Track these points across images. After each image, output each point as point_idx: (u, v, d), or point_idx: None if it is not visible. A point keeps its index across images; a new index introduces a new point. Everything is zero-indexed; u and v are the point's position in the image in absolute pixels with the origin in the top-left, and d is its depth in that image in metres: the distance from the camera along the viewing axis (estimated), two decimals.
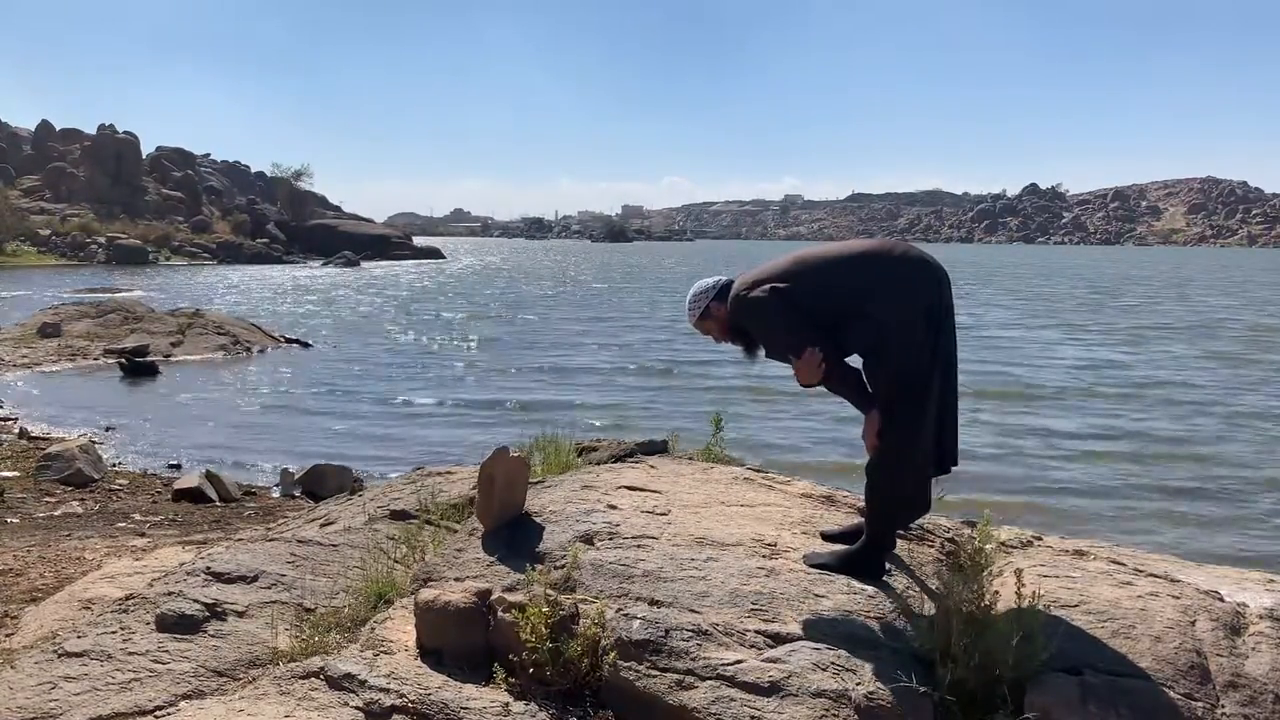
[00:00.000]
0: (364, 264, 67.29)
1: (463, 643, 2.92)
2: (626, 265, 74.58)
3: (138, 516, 7.61)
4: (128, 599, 3.68)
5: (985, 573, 2.85)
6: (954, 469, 3.26)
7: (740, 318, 3.21)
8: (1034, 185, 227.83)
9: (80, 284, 38.61)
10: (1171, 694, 2.65)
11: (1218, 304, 37.80)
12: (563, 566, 3.17)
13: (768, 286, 3.11)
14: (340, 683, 2.80)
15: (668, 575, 3.10)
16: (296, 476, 9.25)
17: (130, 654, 3.22)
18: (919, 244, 3.31)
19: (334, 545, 4.07)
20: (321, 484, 8.89)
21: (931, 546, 3.49)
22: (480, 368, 18.82)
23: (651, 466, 4.38)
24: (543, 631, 2.76)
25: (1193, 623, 2.93)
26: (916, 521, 3.55)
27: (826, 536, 3.48)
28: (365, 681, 2.78)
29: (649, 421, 12.78)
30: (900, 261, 3.06)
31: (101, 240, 63.47)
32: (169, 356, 18.52)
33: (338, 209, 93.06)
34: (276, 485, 9.37)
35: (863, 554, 3.20)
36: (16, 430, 11.33)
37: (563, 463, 4.67)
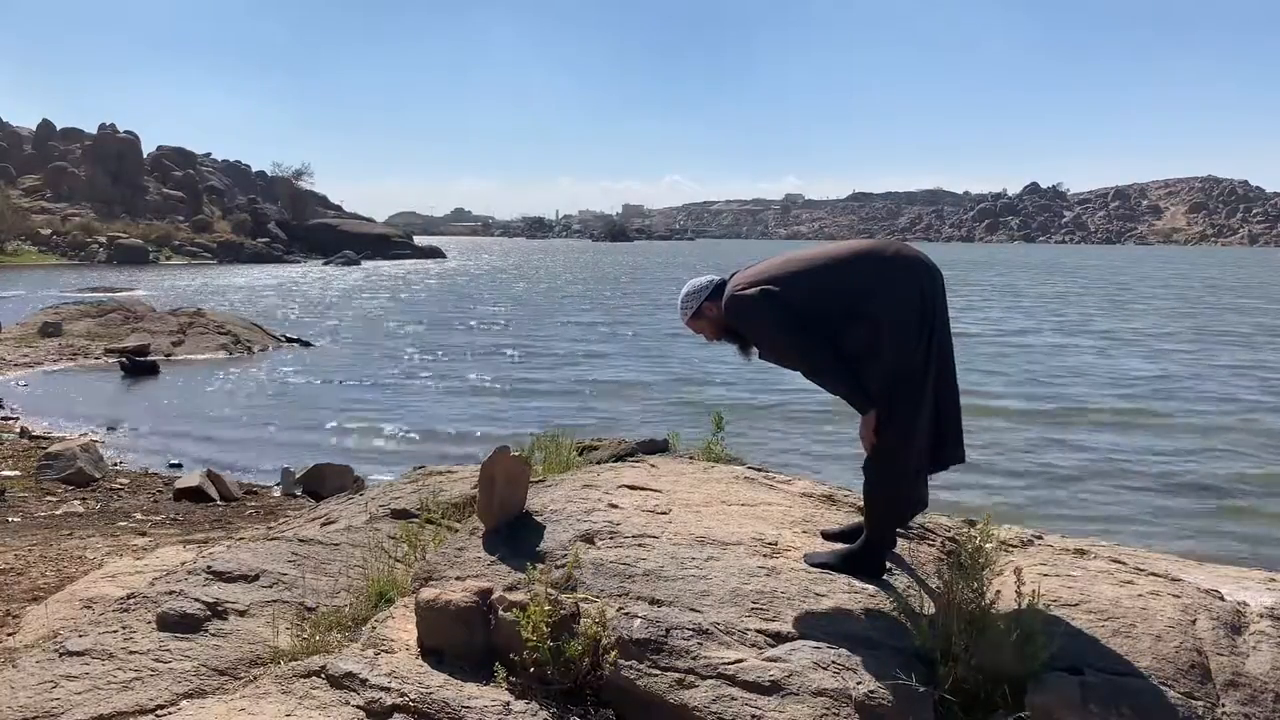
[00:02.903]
0: (365, 263, 67.32)
1: (464, 642, 2.92)
2: (625, 266, 74.47)
3: (139, 515, 7.61)
4: (129, 598, 3.68)
5: (986, 572, 2.85)
6: (957, 471, 3.27)
7: (734, 318, 3.22)
8: (1035, 184, 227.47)
9: (81, 283, 38.63)
10: (1172, 693, 2.65)
11: (1235, 304, 37.54)
12: (564, 565, 3.17)
13: (760, 288, 3.12)
14: (341, 682, 2.80)
15: (669, 574, 3.11)
16: (297, 476, 9.25)
17: (131, 653, 3.22)
18: (920, 243, 3.33)
19: (335, 544, 4.08)
20: (322, 483, 8.90)
21: (932, 545, 3.49)
22: (480, 367, 18.83)
23: (652, 465, 4.38)
24: (544, 630, 2.76)
25: (1193, 622, 2.93)
26: (916, 520, 3.56)
27: (827, 535, 3.48)
28: (366, 680, 2.78)
29: (647, 423, 12.78)
30: (894, 261, 3.08)
31: (102, 240, 63.51)
32: (170, 356, 18.54)
33: (338, 208, 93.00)
34: (277, 484, 9.38)
35: (863, 553, 3.21)
36: (18, 429, 11.34)
37: (563, 462, 4.68)
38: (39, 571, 5.42)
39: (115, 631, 3.38)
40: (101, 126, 77.36)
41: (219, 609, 3.44)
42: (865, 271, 3.07)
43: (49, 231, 63.60)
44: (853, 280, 3.07)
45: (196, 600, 3.48)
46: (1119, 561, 3.41)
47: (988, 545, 2.93)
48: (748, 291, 3.14)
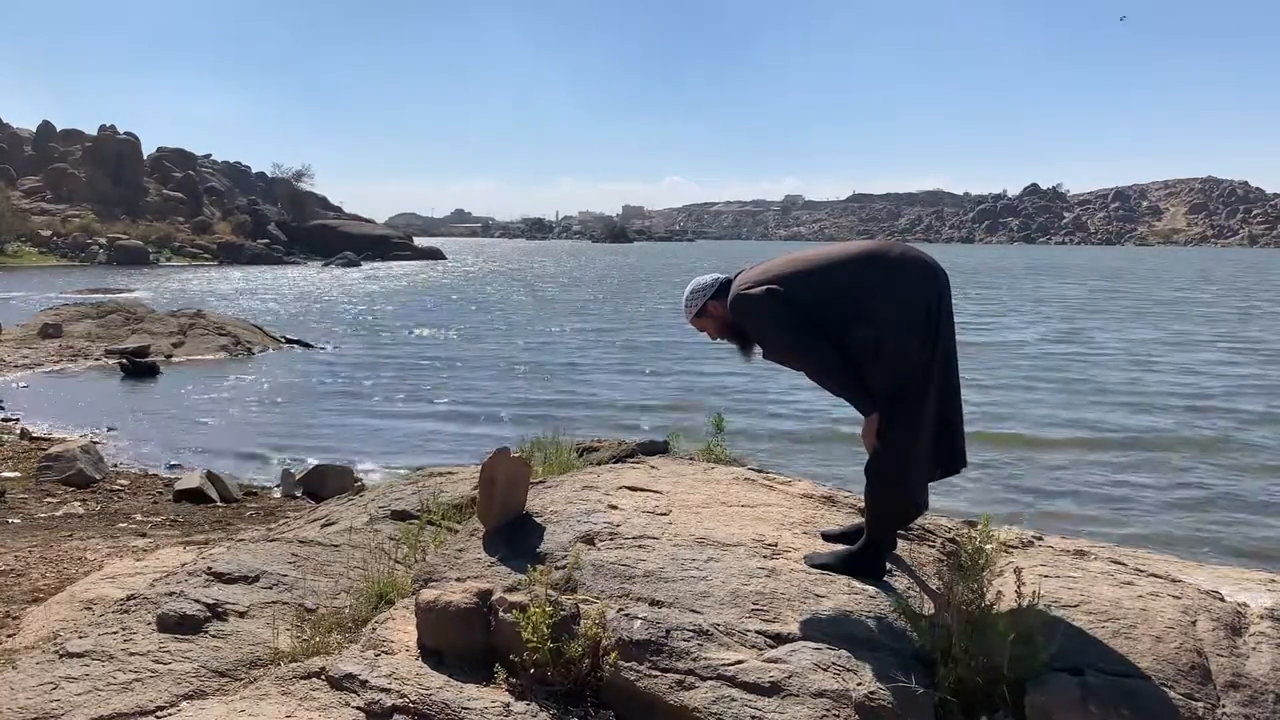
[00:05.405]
0: (365, 265, 67.35)
1: (464, 643, 2.92)
2: (624, 268, 74.35)
3: (139, 517, 7.61)
4: (129, 599, 3.68)
5: (986, 572, 2.85)
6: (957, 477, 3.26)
7: (738, 317, 3.23)
8: (1034, 185, 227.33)
9: (81, 285, 38.63)
10: (1172, 694, 2.65)
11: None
12: (564, 567, 3.17)
13: (765, 287, 3.12)
14: (341, 683, 2.80)
15: (669, 575, 3.11)
16: (297, 477, 9.25)
17: (132, 654, 3.22)
18: (920, 244, 3.33)
19: (335, 545, 4.08)
20: (322, 484, 8.89)
21: (932, 546, 3.49)
22: (480, 368, 18.83)
23: (652, 467, 4.38)
24: (544, 632, 2.76)
25: (1193, 623, 2.93)
26: (916, 521, 3.56)
27: (827, 537, 3.48)
28: (366, 682, 2.78)
29: (646, 425, 12.78)
30: (899, 262, 3.08)
31: (102, 241, 63.54)
32: (170, 357, 18.54)
33: (338, 210, 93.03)
34: (277, 486, 9.37)
35: (863, 554, 3.21)
36: (18, 431, 11.33)
37: (563, 463, 4.68)
38: (39, 573, 5.41)
39: (115, 633, 3.38)
40: (101, 127, 77.44)
41: (219, 610, 3.44)
42: (870, 272, 3.07)
43: (49, 233, 63.61)
44: (857, 281, 3.07)
45: (196, 601, 3.48)
46: (1119, 562, 3.41)
47: (988, 546, 2.93)
48: (753, 290, 3.15)
